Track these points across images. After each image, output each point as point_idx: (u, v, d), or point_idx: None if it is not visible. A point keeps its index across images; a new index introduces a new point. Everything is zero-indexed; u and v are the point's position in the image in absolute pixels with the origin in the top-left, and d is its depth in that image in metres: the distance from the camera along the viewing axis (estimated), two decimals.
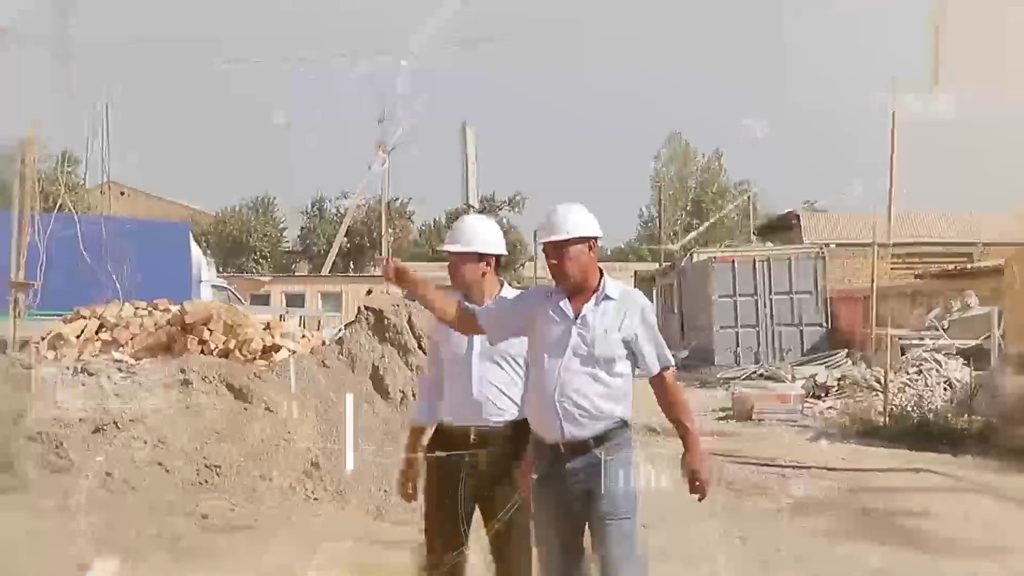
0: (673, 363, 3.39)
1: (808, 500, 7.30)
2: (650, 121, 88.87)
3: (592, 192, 71.89)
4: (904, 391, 11.01)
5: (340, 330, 8.84)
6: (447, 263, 3.68)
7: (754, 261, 20.25)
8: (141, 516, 5.79)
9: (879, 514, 6.84)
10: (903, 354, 12.61)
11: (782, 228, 31.95)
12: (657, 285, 29.53)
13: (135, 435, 6.49)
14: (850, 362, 16.22)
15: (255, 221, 42.73)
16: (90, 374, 6.92)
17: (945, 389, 10.96)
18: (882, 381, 11.08)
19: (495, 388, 3.51)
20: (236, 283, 22.01)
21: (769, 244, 26.84)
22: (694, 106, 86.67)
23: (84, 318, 8.38)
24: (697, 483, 3.28)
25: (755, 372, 17.15)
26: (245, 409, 6.91)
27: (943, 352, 12.05)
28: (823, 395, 12.87)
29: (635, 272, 35.37)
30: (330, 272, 34.23)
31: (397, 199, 42.16)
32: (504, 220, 45.31)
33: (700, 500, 3.31)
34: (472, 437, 3.49)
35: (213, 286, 15.30)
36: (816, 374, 14.59)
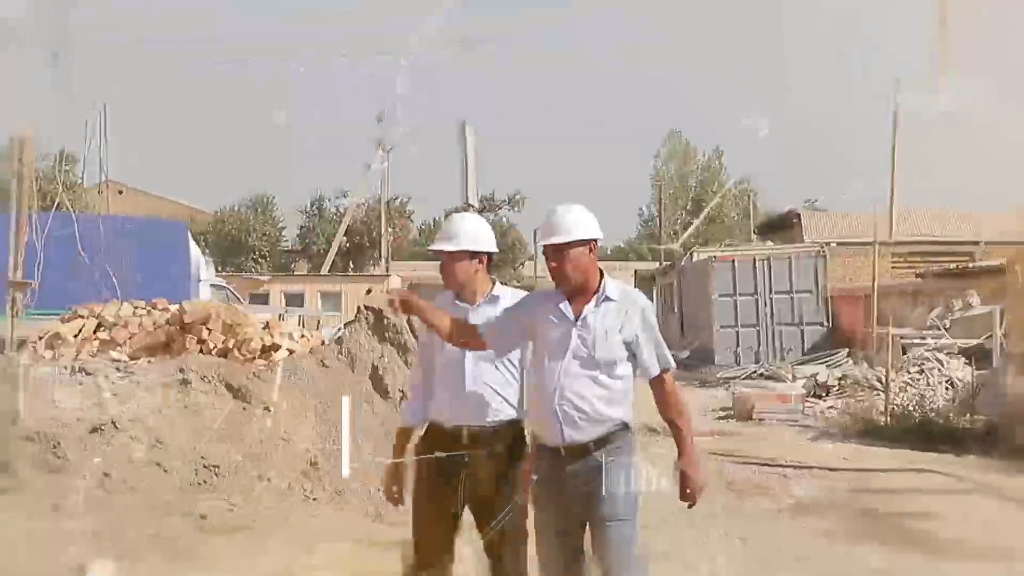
0: (673, 365, 3.36)
1: (809, 501, 7.27)
2: (650, 120, 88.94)
3: (592, 191, 72.00)
4: (906, 390, 10.98)
5: (339, 329, 8.80)
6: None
7: (754, 260, 20.21)
8: (139, 516, 5.77)
9: (881, 515, 6.82)
10: (905, 353, 12.58)
11: (782, 227, 31.90)
12: (657, 284, 29.50)
13: (133, 435, 6.46)
14: (851, 361, 16.19)
15: (254, 220, 42.69)
16: (88, 374, 6.89)
17: (947, 389, 10.92)
18: (884, 380, 11.05)
19: (489, 388, 3.47)
20: (235, 282, 21.96)
21: (769, 243, 26.79)
22: (694, 105, 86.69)
23: (82, 317, 8.35)
24: (688, 490, 3.25)
25: (755, 372, 17.13)
26: (244, 409, 6.88)
27: (945, 351, 12.02)
28: (824, 395, 12.85)
29: (635, 271, 35.35)
30: (329, 271, 34.16)
31: (396, 198, 42.16)
32: (504, 219, 45.32)
33: (689, 507, 3.29)
34: (464, 438, 3.45)
35: (212, 285, 15.25)
36: (817, 373, 14.57)
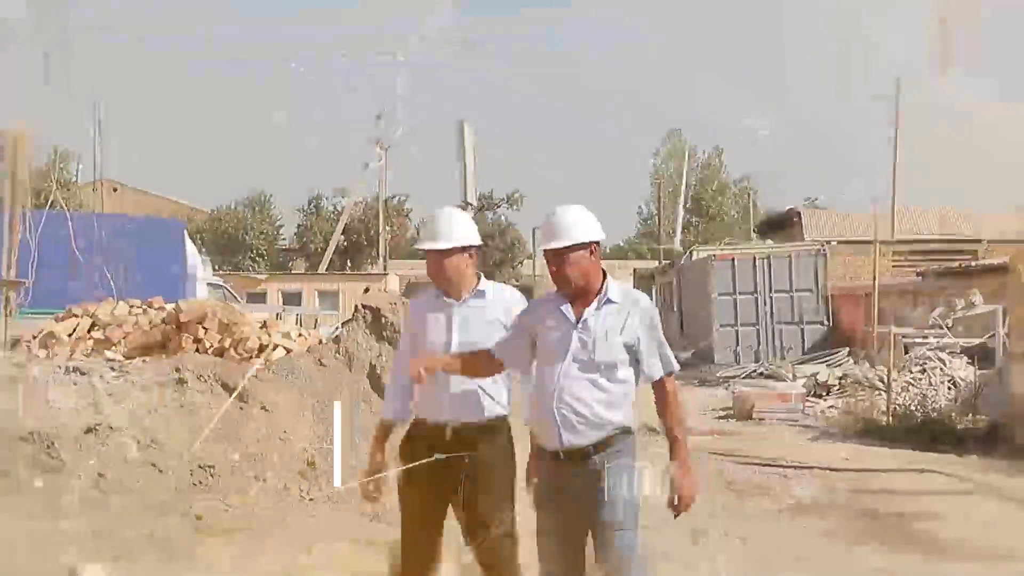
0: (677, 367, 3.31)
1: (810, 501, 7.23)
2: (649, 119, 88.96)
3: (591, 190, 72.00)
4: (907, 390, 10.94)
5: (337, 328, 8.76)
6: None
7: (754, 259, 20.16)
8: (134, 517, 5.71)
9: (881, 515, 6.80)
10: (906, 352, 12.54)
11: (783, 225, 31.85)
12: (656, 283, 29.46)
13: (128, 435, 6.40)
14: (852, 361, 16.15)
15: (251, 218, 42.68)
16: (82, 373, 6.82)
17: (949, 388, 10.88)
18: (885, 380, 11.00)
19: (475, 384, 3.43)
20: (232, 281, 21.94)
21: (769, 241, 26.74)
22: (694, 105, 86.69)
23: (76, 316, 8.28)
24: (677, 500, 3.19)
25: (755, 371, 17.10)
26: (240, 409, 6.82)
27: (947, 351, 11.97)
28: (824, 394, 12.82)
29: (634, 270, 35.35)
30: (327, 270, 34.13)
31: (395, 197, 42.14)
32: (502, 218, 45.32)
33: (675, 517, 3.22)
34: (450, 434, 3.41)
35: (209, 284, 15.21)
36: (817, 373, 14.52)
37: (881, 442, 9.71)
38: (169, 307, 8.47)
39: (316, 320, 21.24)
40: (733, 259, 20.30)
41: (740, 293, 19.72)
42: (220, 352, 7.85)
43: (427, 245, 3.51)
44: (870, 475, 8.21)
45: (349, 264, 40.36)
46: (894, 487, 7.80)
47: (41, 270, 8.29)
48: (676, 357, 3.39)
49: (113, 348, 7.86)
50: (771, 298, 19.57)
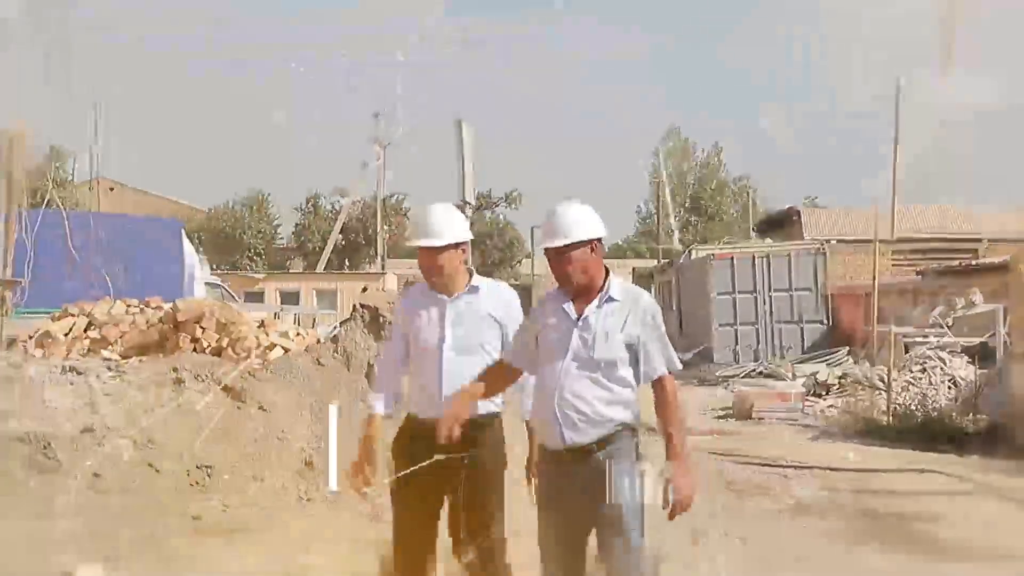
0: (679, 366, 3.28)
1: (810, 501, 7.22)
2: (649, 119, 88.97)
3: (590, 189, 72.04)
4: (908, 390, 10.93)
5: (335, 328, 8.73)
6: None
7: (753, 258, 20.15)
8: (132, 517, 5.69)
9: (881, 515, 6.79)
10: (906, 352, 12.52)
11: (782, 224, 31.83)
12: (655, 282, 29.42)
13: (125, 435, 6.36)
14: (851, 360, 16.13)
15: (249, 218, 42.63)
16: (79, 373, 6.79)
17: (949, 388, 10.87)
18: (885, 379, 10.98)
19: (467, 380, 3.38)
20: (230, 280, 21.91)
21: (768, 240, 26.72)
22: (694, 105, 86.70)
23: (73, 316, 8.24)
24: (673, 503, 3.13)
25: (755, 370, 17.07)
26: (238, 408, 6.79)
27: (947, 350, 11.95)
28: (824, 393, 12.80)
29: (633, 269, 35.27)
30: (325, 269, 34.12)
31: (393, 195, 42.12)
32: (501, 216, 45.30)
33: (670, 519, 3.17)
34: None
35: (206, 283, 15.16)
36: (817, 372, 14.52)
37: (881, 442, 9.69)
38: (166, 307, 8.44)
39: (314, 319, 21.20)
40: (732, 258, 20.28)
41: (739, 292, 19.70)
42: (218, 352, 7.81)
43: (423, 242, 3.49)
44: (870, 475, 8.19)
45: (347, 263, 40.34)
46: (894, 487, 7.79)
47: (37, 269, 8.26)
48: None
49: (110, 348, 7.82)
50: (770, 297, 19.56)
